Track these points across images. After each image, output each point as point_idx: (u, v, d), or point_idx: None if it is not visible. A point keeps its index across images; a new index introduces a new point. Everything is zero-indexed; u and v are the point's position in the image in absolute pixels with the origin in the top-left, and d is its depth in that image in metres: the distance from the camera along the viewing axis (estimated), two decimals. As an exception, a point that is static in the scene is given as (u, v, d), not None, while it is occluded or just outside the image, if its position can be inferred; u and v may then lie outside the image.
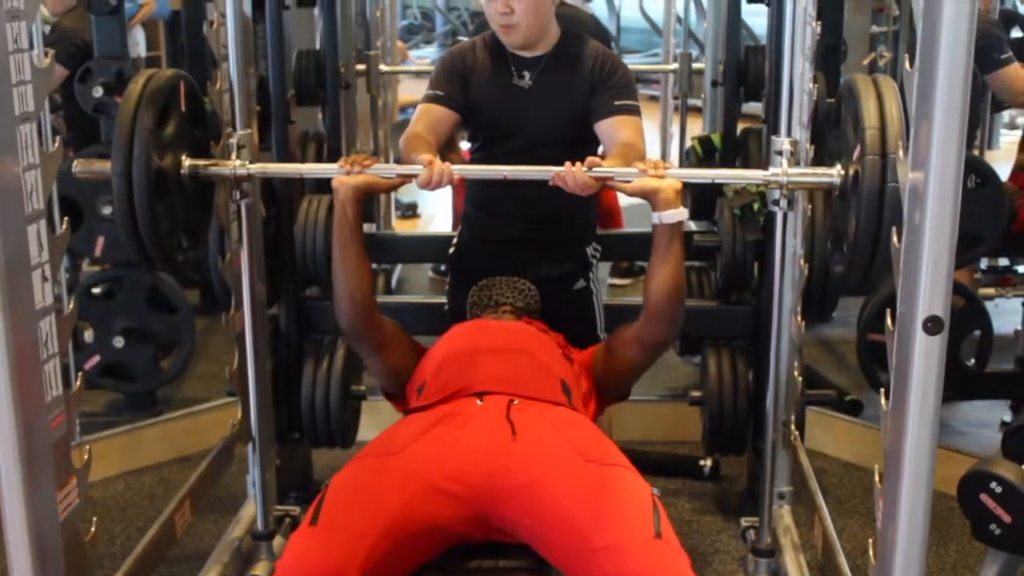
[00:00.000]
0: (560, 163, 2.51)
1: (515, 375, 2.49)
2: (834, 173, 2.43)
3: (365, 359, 2.80)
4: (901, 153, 1.92)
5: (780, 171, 2.56)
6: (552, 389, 2.49)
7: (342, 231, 2.59)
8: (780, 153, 2.62)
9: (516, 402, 2.39)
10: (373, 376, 2.84)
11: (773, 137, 2.72)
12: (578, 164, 2.48)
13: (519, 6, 2.78)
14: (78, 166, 2.53)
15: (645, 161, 2.53)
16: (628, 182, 2.50)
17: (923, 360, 1.69)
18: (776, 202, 2.67)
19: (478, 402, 2.41)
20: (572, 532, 2.11)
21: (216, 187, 2.68)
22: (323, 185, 3.81)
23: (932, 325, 1.66)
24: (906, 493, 1.76)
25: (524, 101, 2.90)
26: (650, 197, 2.51)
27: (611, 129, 2.82)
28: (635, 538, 2.05)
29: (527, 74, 2.90)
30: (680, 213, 2.53)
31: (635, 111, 2.86)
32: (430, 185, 2.52)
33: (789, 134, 2.71)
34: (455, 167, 2.53)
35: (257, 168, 2.70)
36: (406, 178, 2.61)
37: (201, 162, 2.57)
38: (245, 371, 3.05)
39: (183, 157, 2.53)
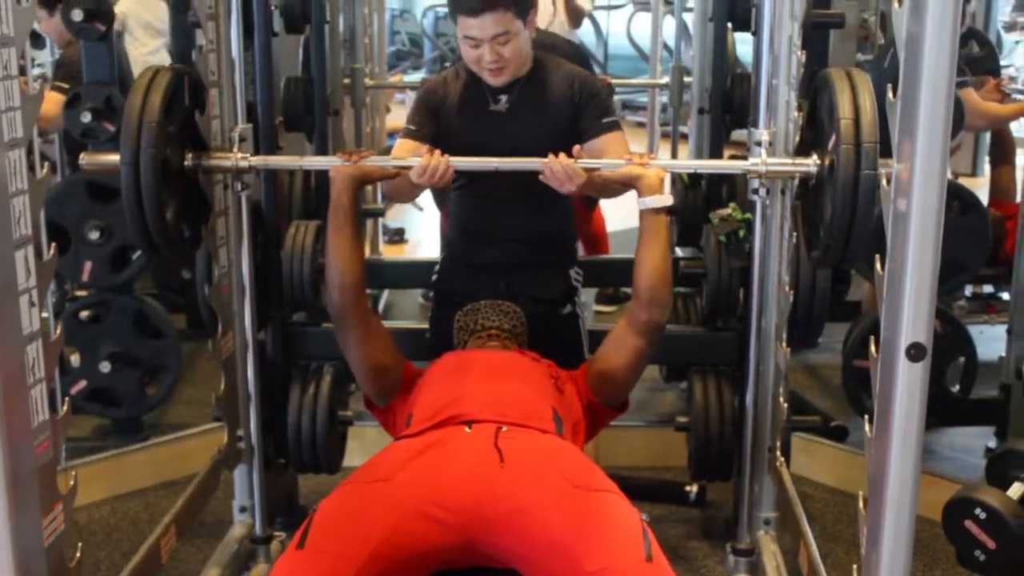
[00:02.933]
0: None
1: (504, 403, 2.50)
2: (811, 162, 2.57)
3: (348, 351, 2.82)
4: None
5: (759, 161, 2.67)
6: (541, 417, 2.50)
7: (336, 216, 2.71)
8: (759, 143, 2.76)
9: (505, 429, 2.39)
10: (355, 376, 2.89)
11: (752, 128, 2.82)
12: (563, 155, 2.60)
13: (508, 52, 2.82)
14: (85, 158, 2.69)
15: (631, 152, 2.66)
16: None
17: (906, 387, 1.70)
18: (756, 191, 2.76)
19: (466, 429, 2.41)
20: (563, 557, 2.11)
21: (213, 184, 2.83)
22: (310, 211, 3.82)
23: (915, 352, 1.67)
24: (890, 519, 1.77)
25: (501, 124, 2.93)
26: (635, 183, 2.66)
27: (602, 148, 2.87)
28: (627, 561, 2.06)
29: (503, 98, 2.94)
30: (664, 199, 2.66)
31: (619, 127, 2.97)
32: (425, 175, 2.58)
33: (768, 126, 2.81)
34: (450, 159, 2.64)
35: (258, 160, 2.80)
36: (403, 170, 2.71)
37: (204, 154, 2.74)
38: (232, 395, 3.06)
39: (187, 149, 2.69)
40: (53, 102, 4.04)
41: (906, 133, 1.66)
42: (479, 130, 2.94)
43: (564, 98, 2.92)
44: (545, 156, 2.71)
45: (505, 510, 2.20)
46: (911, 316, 1.67)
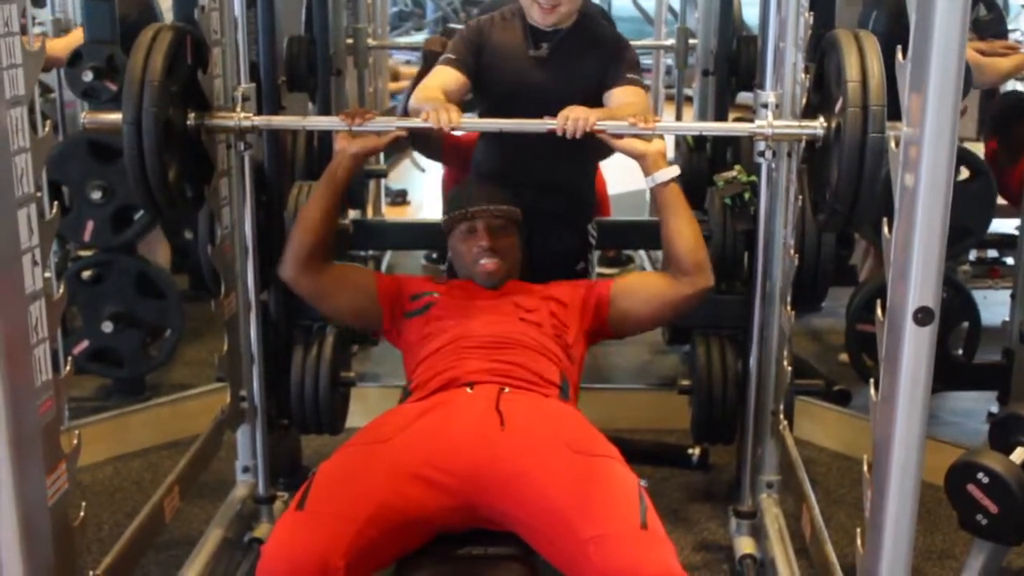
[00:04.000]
0: (537, 130, 2.69)
1: (508, 367, 2.51)
2: (817, 125, 2.57)
3: (318, 308, 2.97)
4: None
5: (765, 123, 2.67)
6: (546, 382, 2.50)
7: (326, 185, 2.78)
8: (765, 106, 2.74)
9: (507, 391, 2.39)
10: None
11: (758, 91, 2.81)
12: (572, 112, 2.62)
13: None
14: (87, 117, 2.67)
15: (635, 115, 2.64)
16: (620, 137, 2.66)
17: (913, 351, 1.69)
18: (762, 153, 2.75)
19: (468, 391, 2.41)
20: (559, 523, 2.12)
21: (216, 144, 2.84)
22: (313, 172, 3.81)
23: (923, 316, 1.67)
24: (895, 483, 1.77)
25: (538, 69, 2.97)
26: (639, 161, 2.69)
27: (618, 95, 2.90)
28: (621, 529, 2.07)
29: (544, 45, 2.97)
30: (671, 171, 2.70)
31: (642, 84, 2.97)
32: (437, 122, 2.60)
33: (775, 88, 2.79)
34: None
35: (262, 120, 2.81)
36: (406, 131, 2.74)
37: (207, 114, 2.72)
38: (234, 356, 3.06)
39: (189, 109, 2.68)
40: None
41: (916, 95, 1.64)
42: (516, 72, 2.98)
43: (598, 55, 2.96)
44: (574, 102, 2.73)
45: (505, 474, 2.21)
46: (919, 280, 1.66)
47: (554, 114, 2.65)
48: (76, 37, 4.08)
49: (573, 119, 2.58)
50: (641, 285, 2.91)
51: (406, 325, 2.82)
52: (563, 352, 2.69)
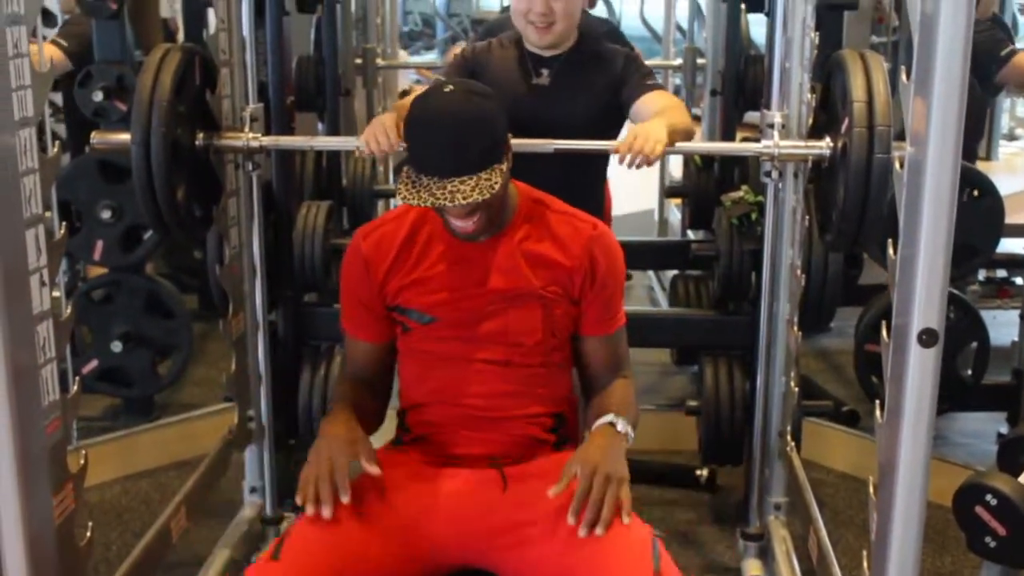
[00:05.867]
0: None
1: (501, 441, 2.30)
2: (823, 145, 2.57)
3: None
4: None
5: (772, 143, 2.66)
6: (544, 434, 2.34)
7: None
8: (772, 126, 2.73)
9: (503, 466, 2.25)
10: None
11: (764, 111, 2.80)
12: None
13: (559, 7, 2.74)
14: (96, 137, 2.66)
15: (622, 144, 2.47)
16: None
17: (918, 372, 1.69)
18: (768, 174, 2.75)
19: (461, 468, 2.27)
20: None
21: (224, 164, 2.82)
22: (322, 192, 3.82)
23: (927, 338, 1.66)
24: (900, 505, 1.76)
25: (541, 98, 2.84)
26: None
27: (647, 104, 2.75)
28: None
29: (545, 72, 2.85)
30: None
31: (661, 87, 2.87)
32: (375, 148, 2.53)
33: (781, 108, 2.78)
34: None
35: (270, 140, 2.81)
36: None
37: (215, 134, 2.73)
38: (242, 376, 3.06)
39: (197, 129, 2.69)
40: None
41: (919, 116, 1.64)
42: (517, 102, 2.76)
43: (605, 76, 2.84)
44: (582, 132, 2.69)
45: (506, 541, 2.13)
46: (923, 301, 1.65)
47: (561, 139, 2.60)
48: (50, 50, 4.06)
49: (637, 150, 2.40)
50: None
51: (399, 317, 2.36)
52: (557, 352, 2.34)
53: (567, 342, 2.35)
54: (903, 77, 1.72)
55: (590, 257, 2.28)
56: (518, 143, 2.53)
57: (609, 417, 2.23)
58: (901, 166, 1.72)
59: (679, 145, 2.63)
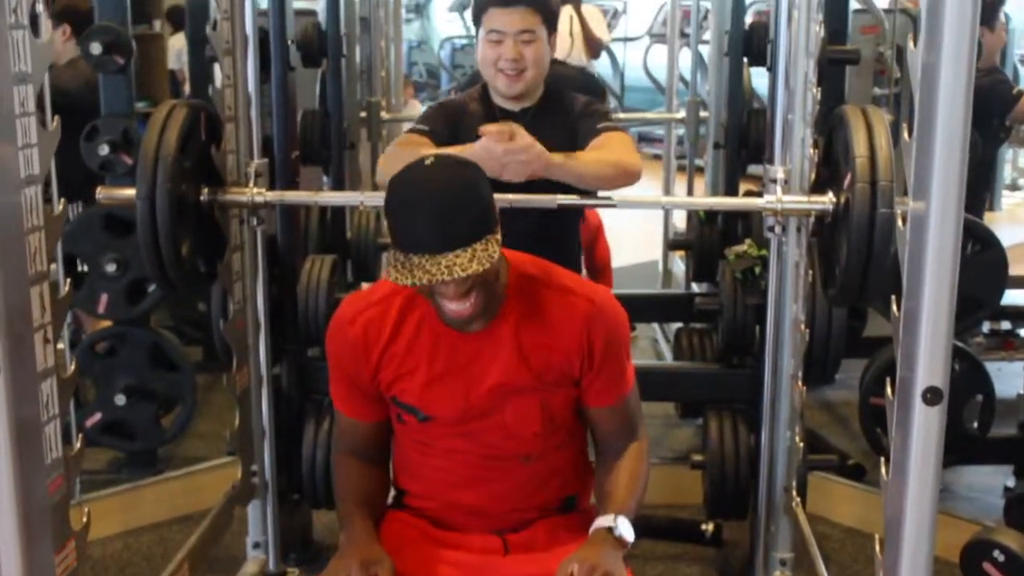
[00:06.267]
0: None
1: (506, 516, 2.29)
2: (826, 200, 2.58)
3: None
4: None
5: (775, 198, 2.67)
6: (548, 505, 2.33)
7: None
8: (775, 181, 2.75)
9: (509, 534, 2.27)
10: None
11: (767, 165, 2.81)
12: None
13: (529, 55, 2.74)
14: (102, 192, 2.72)
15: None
16: None
17: (922, 431, 1.68)
18: (771, 228, 2.75)
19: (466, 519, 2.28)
20: None
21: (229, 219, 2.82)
22: (326, 246, 3.83)
23: (931, 396, 1.66)
24: (906, 562, 1.75)
25: None
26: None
27: (595, 145, 2.74)
28: None
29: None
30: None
31: (615, 129, 2.78)
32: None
33: (784, 163, 2.79)
34: None
35: (274, 195, 2.82)
36: None
37: (220, 189, 2.75)
38: (246, 430, 3.06)
39: (202, 184, 2.72)
40: None
41: (921, 172, 1.65)
42: None
43: (565, 126, 2.83)
44: (555, 185, 2.63)
45: None
46: (927, 359, 1.65)
47: (531, 191, 2.59)
48: None
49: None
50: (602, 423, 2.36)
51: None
52: (560, 432, 2.29)
53: (571, 420, 2.30)
54: (904, 134, 1.73)
55: (588, 339, 2.17)
56: (523, 199, 2.58)
57: (608, 520, 2.16)
58: (904, 222, 1.73)
59: (684, 200, 2.65)
